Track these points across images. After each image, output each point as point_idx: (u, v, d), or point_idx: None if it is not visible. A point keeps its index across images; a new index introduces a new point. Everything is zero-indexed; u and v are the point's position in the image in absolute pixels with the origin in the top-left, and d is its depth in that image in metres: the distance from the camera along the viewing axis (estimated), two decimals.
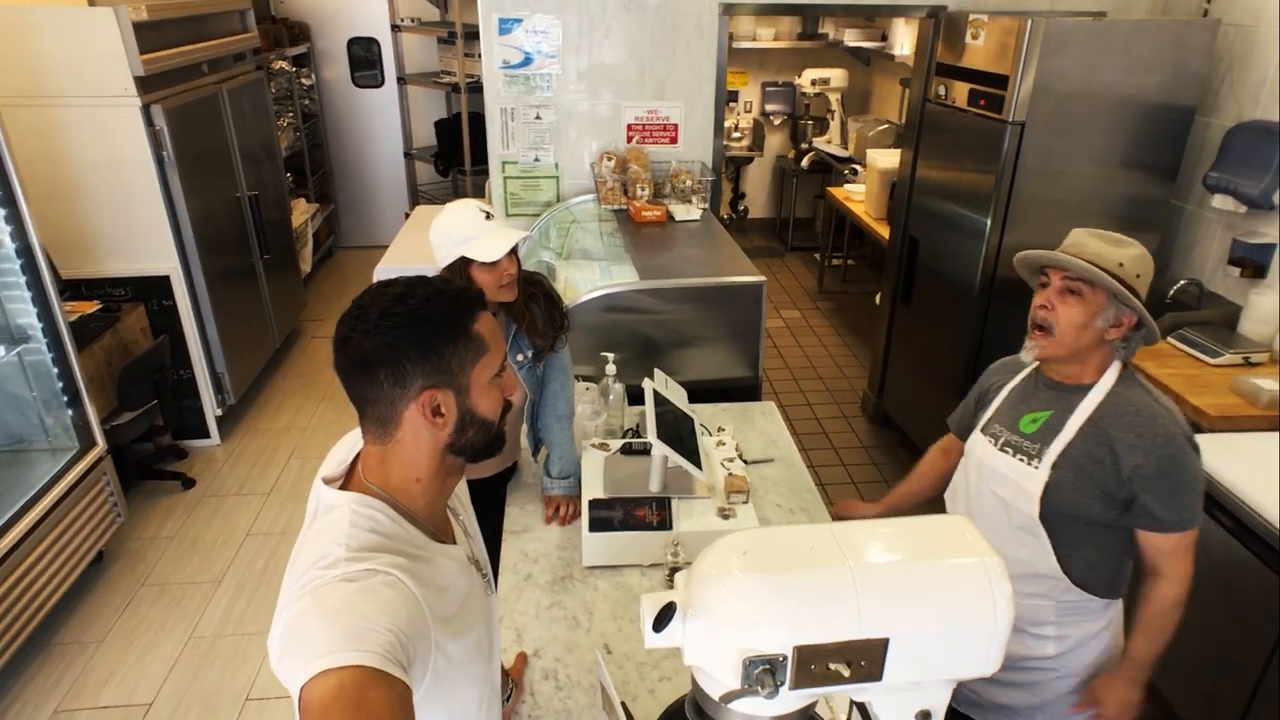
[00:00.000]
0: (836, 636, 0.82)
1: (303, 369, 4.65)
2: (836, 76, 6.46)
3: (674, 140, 3.42)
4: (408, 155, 6.39)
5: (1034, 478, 1.52)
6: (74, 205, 3.31)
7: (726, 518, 1.78)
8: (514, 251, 1.76)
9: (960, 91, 3.12)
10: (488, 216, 1.73)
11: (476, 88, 5.55)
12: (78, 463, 2.82)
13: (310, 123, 6.16)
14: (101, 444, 2.95)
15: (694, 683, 0.93)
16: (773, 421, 2.37)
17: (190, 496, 3.51)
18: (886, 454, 3.90)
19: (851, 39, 6.27)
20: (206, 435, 3.88)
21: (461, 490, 1.16)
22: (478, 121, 5.74)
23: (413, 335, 0.90)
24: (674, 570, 1.70)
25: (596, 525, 1.74)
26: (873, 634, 0.82)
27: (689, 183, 3.31)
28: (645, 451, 1.99)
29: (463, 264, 1.73)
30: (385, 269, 3.61)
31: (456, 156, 5.75)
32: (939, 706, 0.93)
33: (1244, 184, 2.76)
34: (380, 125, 6.38)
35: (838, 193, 5.56)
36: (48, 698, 2.50)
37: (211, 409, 3.83)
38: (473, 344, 0.95)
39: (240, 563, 3.10)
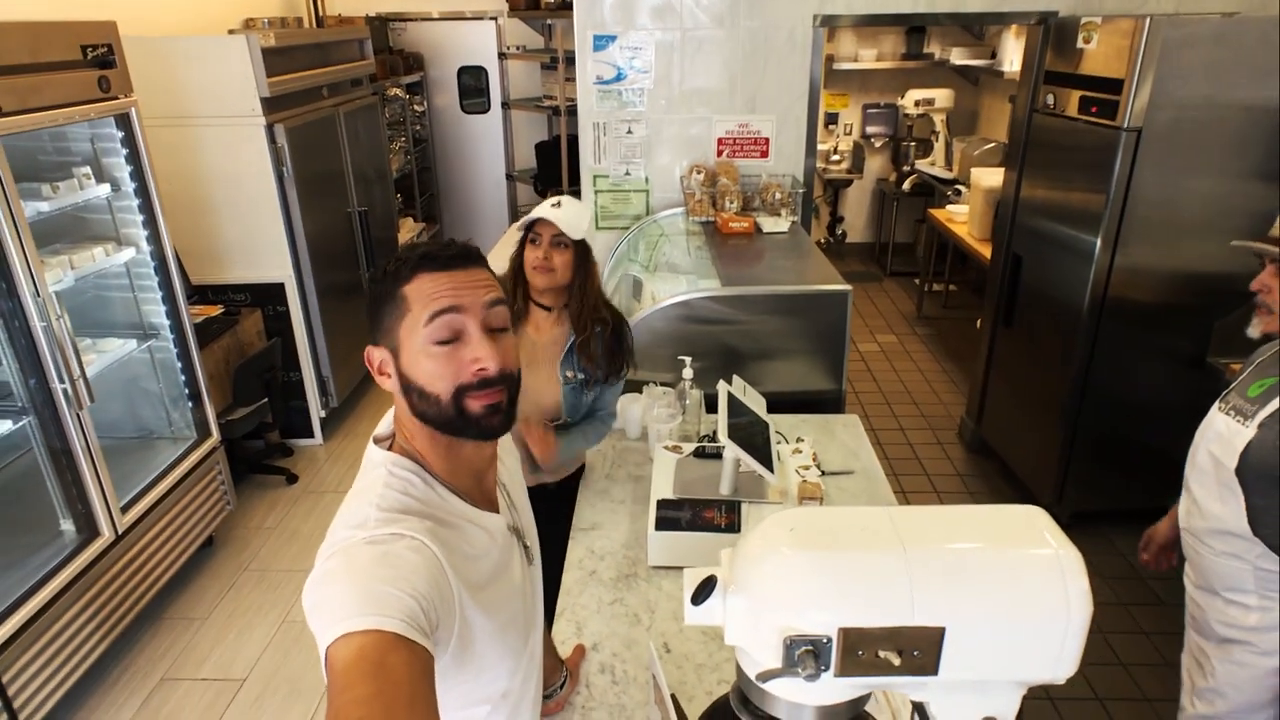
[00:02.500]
0: (887, 621, 0.77)
1: None
2: (942, 96, 6.29)
3: (764, 154, 3.40)
4: (509, 177, 6.62)
5: (1241, 434, 1.57)
6: (204, 217, 3.59)
7: None
8: (574, 252, 1.82)
9: (1070, 100, 2.98)
10: (556, 204, 1.80)
11: (576, 110, 5.73)
12: (194, 451, 3.03)
13: (420, 147, 6.47)
14: (216, 436, 3.15)
15: (738, 669, 0.90)
16: (855, 434, 2.30)
17: (293, 491, 3.70)
18: (983, 483, 3.70)
19: (959, 57, 6.10)
20: (310, 435, 4.09)
21: (510, 462, 1.17)
22: (575, 143, 5.90)
23: (370, 293, 0.97)
24: None
25: (663, 524, 1.72)
26: (927, 622, 0.77)
27: (778, 196, 3.27)
28: (717, 456, 1.96)
29: (520, 246, 1.83)
30: None
31: (555, 176, 5.91)
32: (1007, 713, 0.86)
33: None
34: (484, 149, 6.64)
35: (939, 214, 5.38)
36: (157, 666, 2.67)
37: (316, 410, 4.04)
38: (397, 303, 0.93)
39: None
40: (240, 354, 3.54)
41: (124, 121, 2.62)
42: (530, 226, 1.81)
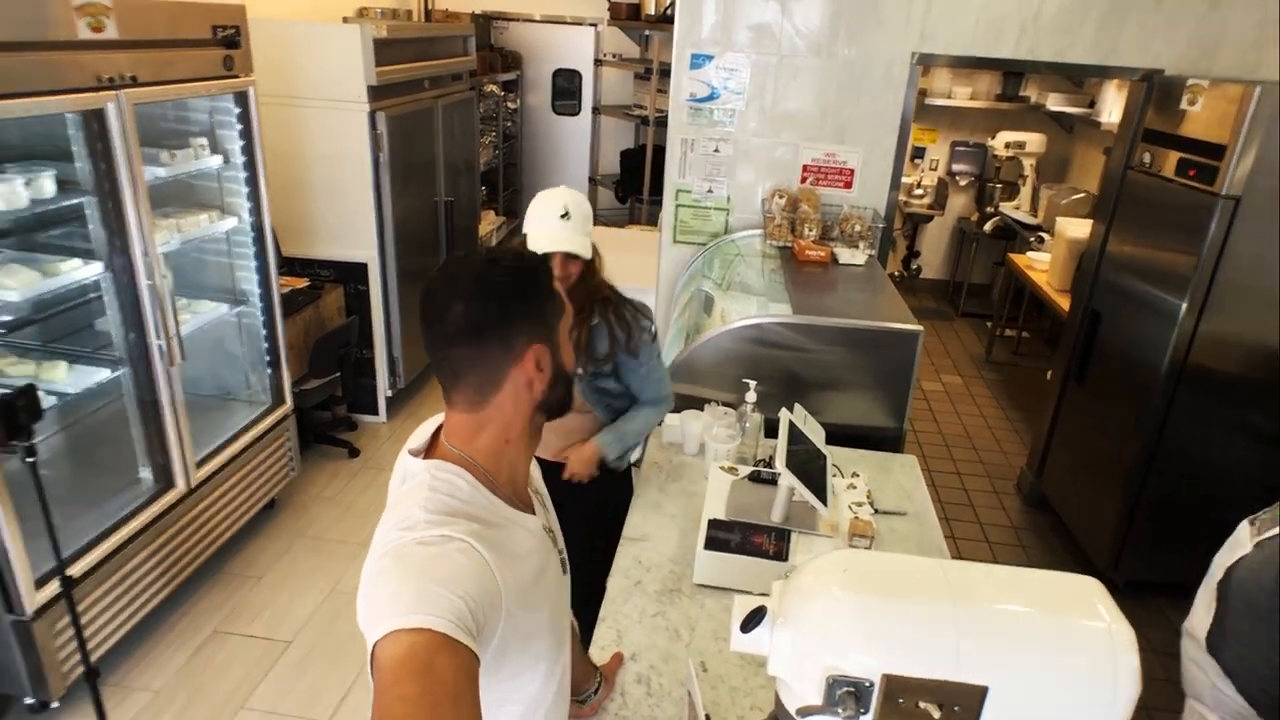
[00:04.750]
0: (931, 674, 0.79)
1: None
2: (1033, 141, 6.16)
3: (848, 185, 3.40)
4: (592, 180, 6.73)
5: (1242, 548, 1.54)
6: (301, 193, 3.76)
7: None
8: (582, 260, 1.81)
9: (1168, 160, 2.90)
10: (564, 215, 1.77)
11: (664, 121, 5.79)
12: (267, 416, 3.17)
13: (509, 143, 6.63)
14: (290, 403, 3.30)
15: (777, 699, 0.93)
16: (911, 476, 2.28)
17: (353, 465, 3.84)
18: (1037, 537, 3.61)
19: (1055, 103, 5.97)
20: (375, 412, 4.23)
21: (535, 470, 1.19)
22: (661, 154, 5.96)
23: (518, 296, 0.95)
24: None
25: (712, 544, 1.75)
26: (971, 679, 0.79)
27: (858, 228, 3.26)
28: (772, 482, 1.97)
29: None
30: None
31: (637, 185, 5.99)
32: None
33: None
34: (570, 150, 6.77)
35: (1019, 259, 5.27)
36: (211, 617, 2.81)
37: (384, 388, 4.18)
38: (556, 299, 1.01)
39: None
40: (320, 327, 3.69)
41: (241, 98, 2.78)
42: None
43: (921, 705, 0.80)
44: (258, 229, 3.00)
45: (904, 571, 0.85)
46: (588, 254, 1.82)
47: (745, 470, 2.04)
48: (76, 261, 2.31)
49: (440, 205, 4.49)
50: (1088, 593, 0.84)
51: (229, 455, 2.92)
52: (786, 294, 2.77)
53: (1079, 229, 4.40)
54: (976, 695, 0.79)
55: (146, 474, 2.65)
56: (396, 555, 0.86)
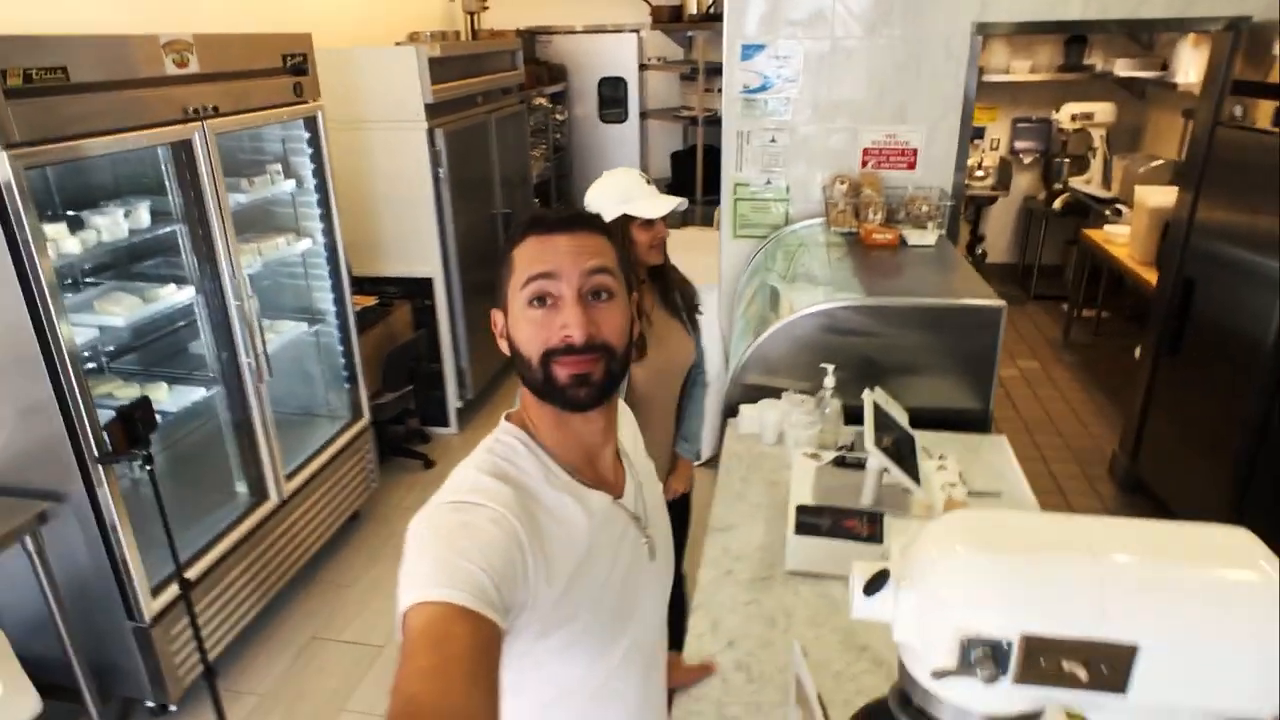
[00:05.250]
0: (1073, 633, 0.75)
1: None
2: (1102, 110, 5.93)
3: (911, 165, 3.32)
4: None
5: None
6: (366, 213, 3.86)
7: None
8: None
9: (1265, 111, 2.74)
10: (649, 182, 1.89)
11: (713, 120, 5.77)
12: (347, 430, 3.26)
13: (559, 154, 6.70)
14: (367, 417, 3.38)
15: (901, 668, 0.89)
16: (1002, 456, 2.20)
17: (429, 476, 3.91)
18: None
19: (1124, 69, 5.73)
20: (446, 424, 4.30)
21: (638, 450, 1.15)
22: (711, 153, 5.94)
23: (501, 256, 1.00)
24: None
25: (803, 529, 1.71)
26: (1118, 637, 0.74)
27: (925, 209, 3.18)
28: (858, 466, 1.92)
29: (624, 222, 1.83)
30: None
31: (690, 185, 5.98)
32: None
33: None
34: (620, 157, 6.79)
35: (1096, 235, 5.07)
36: (308, 624, 2.90)
37: (454, 400, 4.25)
38: (508, 265, 0.96)
39: None
40: (390, 342, 3.78)
41: (311, 123, 2.87)
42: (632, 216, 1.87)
43: (1066, 666, 0.75)
44: (331, 249, 3.09)
45: (1034, 527, 0.81)
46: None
47: (829, 456, 2.00)
48: (172, 287, 2.42)
49: (498, 218, 4.56)
50: (1241, 541, 0.78)
51: (315, 468, 3.00)
52: (855, 280, 2.71)
53: (1162, 197, 4.21)
54: (1125, 655, 0.74)
55: (242, 488, 2.75)
56: (428, 520, 0.87)
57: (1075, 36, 6.01)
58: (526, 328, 0.94)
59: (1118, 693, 0.76)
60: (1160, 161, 5.12)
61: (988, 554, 0.77)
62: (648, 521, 1.08)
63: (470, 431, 4.35)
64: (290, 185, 2.93)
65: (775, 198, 3.47)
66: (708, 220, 5.62)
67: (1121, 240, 4.73)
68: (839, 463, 1.97)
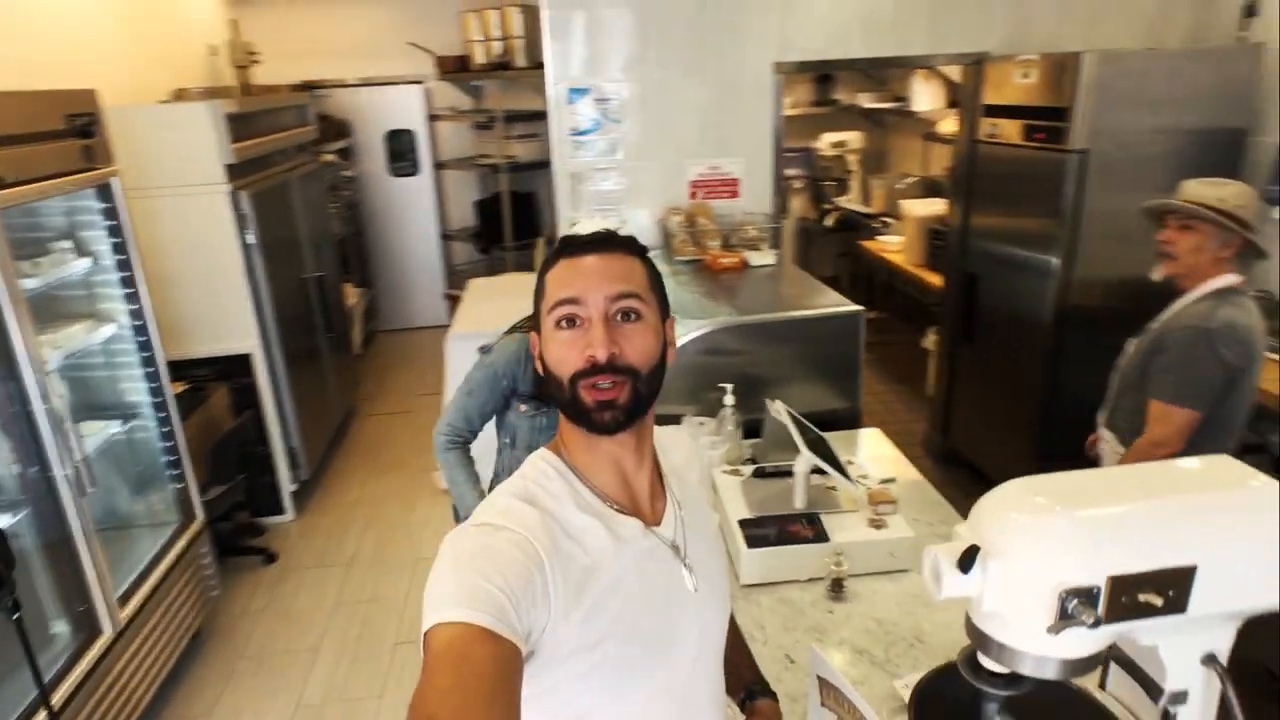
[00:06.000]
0: (1147, 566, 0.85)
1: (365, 444, 4.69)
2: (853, 138, 6.72)
3: (735, 194, 3.56)
4: (445, 237, 6.59)
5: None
6: (168, 289, 3.41)
7: (879, 528, 1.80)
8: None
9: (1012, 128, 3.27)
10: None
11: (518, 167, 5.81)
12: (181, 535, 2.84)
13: (351, 211, 6.37)
14: (201, 517, 2.97)
15: (974, 634, 0.94)
16: (882, 444, 2.41)
17: (273, 571, 3.50)
18: (959, 490, 3.87)
19: (866, 101, 6.55)
20: (282, 511, 3.89)
21: (686, 479, 1.13)
22: (518, 199, 5.96)
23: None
24: (838, 580, 1.71)
25: (753, 542, 1.76)
26: (1180, 562, 0.85)
27: (754, 233, 3.42)
28: (779, 474, 2.02)
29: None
30: (459, 334, 3.69)
31: (497, 232, 5.93)
32: (1223, 648, 0.94)
33: None
34: (416, 211, 6.61)
35: (872, 245, 5.70)
36: None
37: (287, 484, 3.85)
38: (541, 288, 0.98)
39: (335, 631, 3.08)
40: (212, 431, 3.36)
41: (105, 191, 2.51)
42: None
43: (1142, 598, 0.85)
44: (140, 332, 2.70)
45: (1082, 484, 0.90)
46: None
47: (749, 470, 2.07)
48: None
49: (312, 282, 4.24)
50: (1230, 466, 0.93)
51: (151, 585, 2.58)
52: (714, 301, 2.84)
53: (926, 208, 4.85)
54: (1187, 576, 0.85)
55: (62, 627, 2.29)
56: (453, 543, 0.88)
57: (823, 76, 6.78)
58: (555, 349, 0.95)
59: (1180, 613, 0.87)
60: (913, 178, 5.89)
61: (1068, 513, 0.86)
62: (688, 552, 1.04)
63: (311, 516, 3.96)
64: (85, 264, 2.53)
65: None
66: (521, 265, 5.61)
67: (895, 248, 5.37)
68: (759, 474, 2.05)
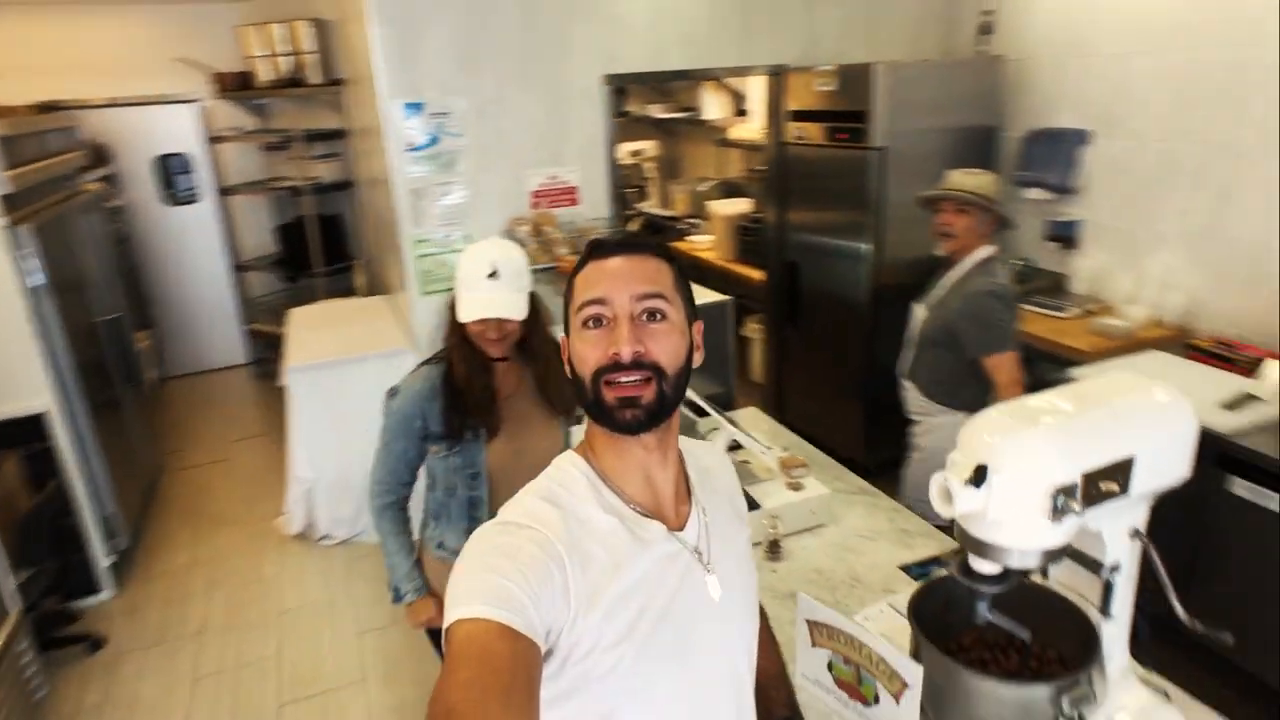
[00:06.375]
0: (1105, 461, 1.06)
1: (183, 502, 4.21)
2: (650, 147, 7.08)
3: (574, 202, 3.65)
4: (239, 268, 6.05)
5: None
6: None
7: (797, 489, 1.98)
8: (531, 312, 1.74)
9: (817, 131, 3.66)
10: (492, 274, 1.67)
11: (323, 189, 5.48)
12: None
13: (123, 246, 5.66)
14: (19, 604, 2.54)
15: (969, 540, 1.11)
16: (764, 421, 2.61)
17: (104, 658, 3.06)
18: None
19: (658, 112, 6.92)
20: (97, 589, 3.40)
21: (715, 487, 1.12)
22: (327, 223, 5.62)
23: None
24: (774, 542, 1.87)
25: None
26: (1123, 455, 1.08)
27: (598, 236, 3.53)
28: None
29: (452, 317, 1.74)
30: (300, 367, 3.46)
31: (303, 259, 5.56)
32: (1142, 524, 1.19)
33: (1048, 177, 3.49)
34: (200, 242, 6.00)
35: (684, 245, 6.04)
36: None
37: (102, 557, 3.37)
38: (570, 291, 1.00)
39: (201, 711, 2.76)
40: (8, 508, 2.87)
41: None
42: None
43: (1103, 486, 1.06)
44: None
45: (1040, 407, 1.11)
46: (521, 314, 1.70)
47: None
48: None
49: (103, 327, 3.75)
50: (1135, 380, 1.18)
51: None
52: None
53: (732, 207, 5.24)
54: (1129, 465, 1.08)
55: None
56: (476, 541, 0.91)
57: (617, 89, 7.07)
58: (580, 348, 0.96)
59: (1125, 495, 1.09)
60: (712, 181, 6.31)
61: (1049, 430, 1.05)
62: (712, 558, 1.03)
63: (137, 589, 3.48)
64: None
65: (457, 249, 3.50)
66: (337, 291, 5.30)
67: (707, 246, 5.73)
68: None
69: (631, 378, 0.93)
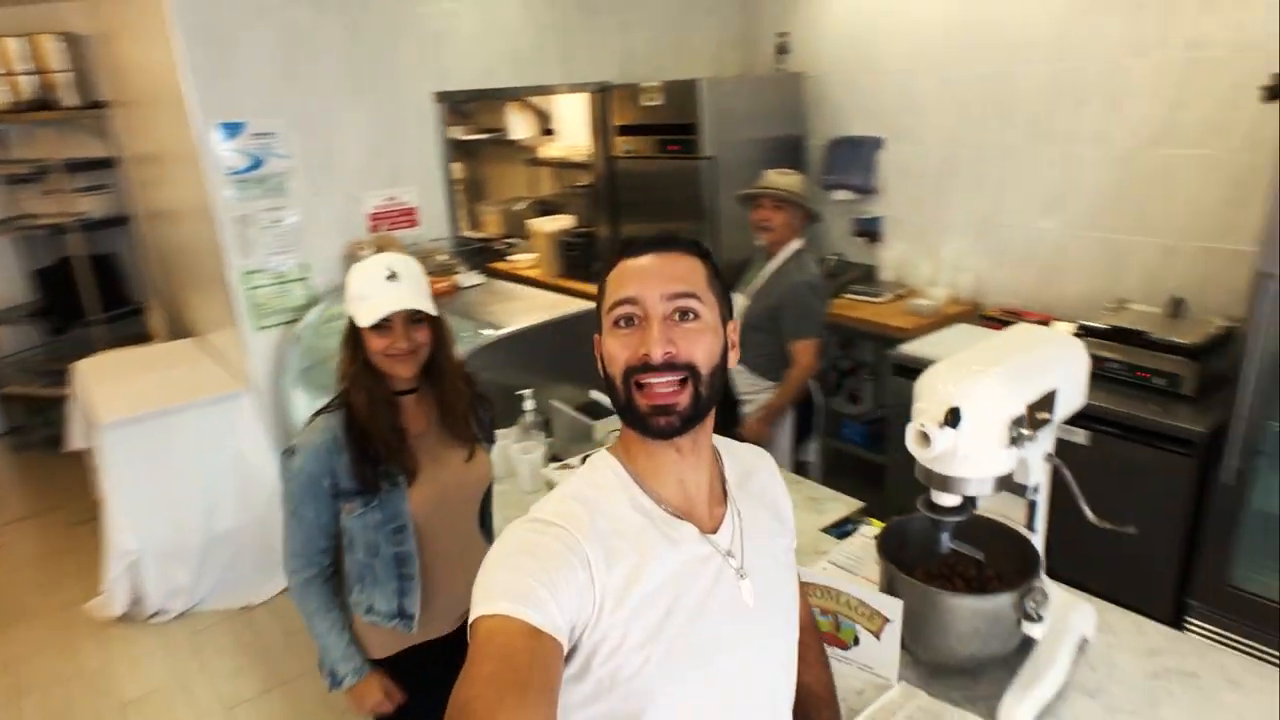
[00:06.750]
0: (1039, 393, 1.26)
1: None
2: (455, 169, 6.96)
3: (414, 223, 3.54)
4: None
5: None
6: None
7: None
8: (429, 325, 1.57)
9: (647, 144, 3.84)
10: (391, 276, 1.52)
11: (93, 225, 4.81)
12: None
13: None
14: None
15: (934, 478, 1.26)
16: None
17: None
18: None
19: (463, 134, 6.84)
20: None
21: (756, 490, 1.11)
22: (101, 263, 4.93)
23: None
24: None
25: None
26: (1051, 388, 1.28)
27: (443, 258, 3.46)
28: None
29: (355, 325, 1.54)
30: (116, 422, 3.04)
31: (74, 305, 4.84)
32: (1052, 448, 1.41)
33: (851, 179, 3.92)
34: None
35: (504, 266, 6.01)
36: None
37: None
38: (602, 289, 0.99)
39: None
40: None
41: None
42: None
43: (1039, 415, 1.26)
44: None
45: (979, 355, 1.28)
46: (431, 309, 1.55)
47: (575, 460, 2.19)
48: None
49: None
50: (1040, 329, 1.41)
51: None
52: (456, 327, 2.85)
53: (554, 224, 5.31)
54: (1054, 396, 1.29)
55: None
56: (505, 538, 0.92)
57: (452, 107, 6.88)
58: (611, 347, 0.95)
59: (1051, 423, 1.30)
60: (528, 200, 6.34)
61: (1000, 371, 1.22)
62: (745, 563, 1.02)
63: None
64: None
65: (294, 278, 3.27)
66: (124, 339, 4.68)
67: (529, 264, 5.75)
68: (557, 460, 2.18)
69: (663, 379, 0.92)
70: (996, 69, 3.34)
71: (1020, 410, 1.21)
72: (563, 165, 5.69)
